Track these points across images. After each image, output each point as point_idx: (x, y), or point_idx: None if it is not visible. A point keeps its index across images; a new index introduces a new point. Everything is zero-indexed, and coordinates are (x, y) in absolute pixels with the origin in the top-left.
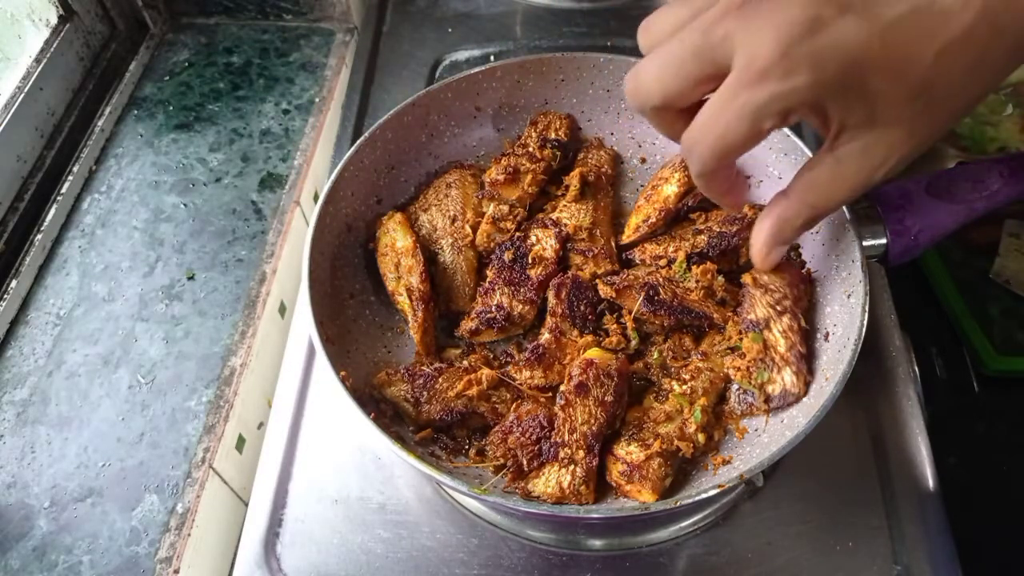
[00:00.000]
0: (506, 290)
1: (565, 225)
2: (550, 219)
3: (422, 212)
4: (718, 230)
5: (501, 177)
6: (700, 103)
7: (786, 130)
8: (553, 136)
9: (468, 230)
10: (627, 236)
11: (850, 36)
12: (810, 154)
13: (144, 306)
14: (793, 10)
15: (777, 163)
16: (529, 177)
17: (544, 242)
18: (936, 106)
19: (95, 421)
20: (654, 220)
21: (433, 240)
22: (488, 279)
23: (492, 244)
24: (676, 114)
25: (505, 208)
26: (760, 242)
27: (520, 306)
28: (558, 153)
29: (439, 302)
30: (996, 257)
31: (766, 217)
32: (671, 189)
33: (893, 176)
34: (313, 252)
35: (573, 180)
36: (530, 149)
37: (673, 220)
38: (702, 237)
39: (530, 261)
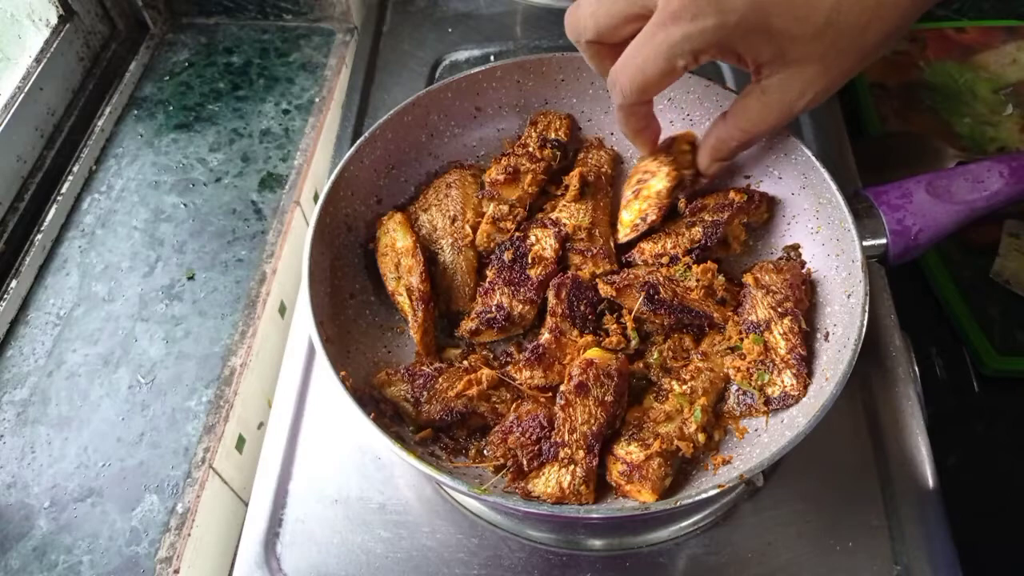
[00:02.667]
0: (506, 290)
1: (564, 225)
2: (549, 219)
3: (422, 212)
4: (711, 219)
5: (501, 177)
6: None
7: (786, 130)
8: (553, 136)
9: (468, 230)
10: (624, 234)
11: None
12: (810, 154)
13: (144, 306)
14: None
15: (777, 163)
16: (529, 177)
17: (544, 242)
18: (844, 43)
19: (95, 421)
20: (653, 218)
21: (433, 240)
22: (488, 279)
23: (492, 244)
24: (607, 49)
25: (505, 208)
26: (704, 157)
27: (520, 306)
28: (558, 153)
29: (439, 302)
30: (996, 257)
31: (709, 136)
32: (662, 184)
33: (819, 103)
34: (313, 252)
35: (573, 180)
36: (530, 149)
37: (669, 215)
38: (697, 229)
39: (530, 261)
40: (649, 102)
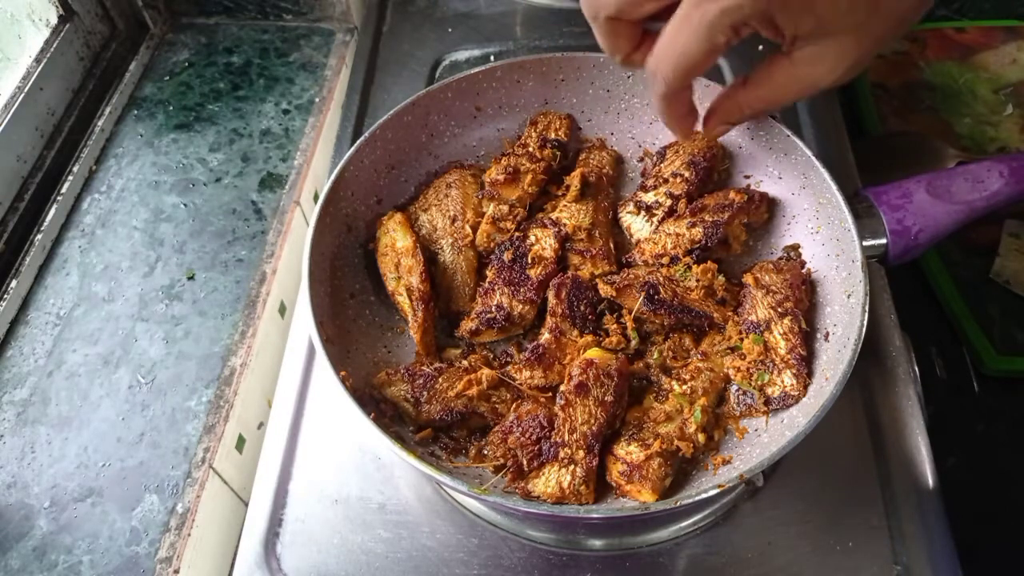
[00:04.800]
0: (506, 290)
1: (564, 225)
2: (549, 219)
3: (422, 212)
4: (711, 219)
5: (501, 177)
6: (645, 30)
7: (786, 130)
8: (553, 136)
9: (468, 230)
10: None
11: None
12: (810, 154)
13: (144, 306)
14: None
15: (777, 163)
16: (529, 177)
17: (543, 242)
18: (881, 10)
19: (95, 421)
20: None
21: (433, 240)
22: (488, 279)
23: (492, 244)
24: (624, 27)
25: (505, 208)
26: (714, 118)
27: (520, 306)
28: (558, 153)
29: (439, 302)
30: (996, 257)
31: (722, 98)
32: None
33: (845, 80)
34: (313, 252)
35: (574, 180)
36: (530, 149)
37: (669, 215)
38: (697, 229)
39: (529, 261)
40: (690, 86)
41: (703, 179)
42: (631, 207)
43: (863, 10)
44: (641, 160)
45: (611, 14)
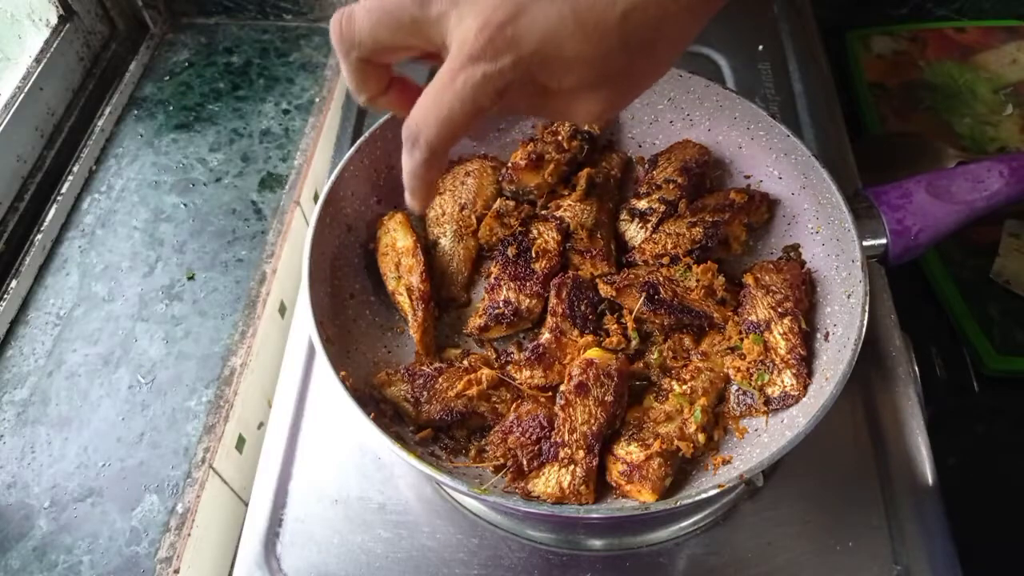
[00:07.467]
0: (512, 285)
1: (567, 221)
2: (551, 214)
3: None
4: (712, 219)
5: (523, 162)
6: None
7: (786, 130)
8: (587, 127)
9: (473, 220)
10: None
11: (544, 15)
12: (810, 154)
13: (144, 306)
14: None
15: (777, 163)
16: (551, 166)
17: (546, 235)
18: (637, 59)
19: (95, 421)
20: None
21: (438, 223)
22: (493, 275)
23: (494, 238)
24: (375, 68)
25: (511, 204)
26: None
27: (527, 300)
28: (585, 146)
29: (432, 288)
30: (996, 257)
31: None
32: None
33: (604, 119)
34: (313, 252)
35: (580, 180)
36: (559, 138)
37: (670, 215)
38: (698, 229)
39: (533, 255)
40: (448, 150)
41: (696, 185)
42: (624, 214)
43: (619, 58)
44: (642, 161)
45: (363, 56)
